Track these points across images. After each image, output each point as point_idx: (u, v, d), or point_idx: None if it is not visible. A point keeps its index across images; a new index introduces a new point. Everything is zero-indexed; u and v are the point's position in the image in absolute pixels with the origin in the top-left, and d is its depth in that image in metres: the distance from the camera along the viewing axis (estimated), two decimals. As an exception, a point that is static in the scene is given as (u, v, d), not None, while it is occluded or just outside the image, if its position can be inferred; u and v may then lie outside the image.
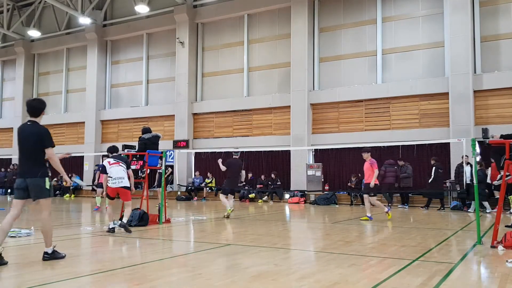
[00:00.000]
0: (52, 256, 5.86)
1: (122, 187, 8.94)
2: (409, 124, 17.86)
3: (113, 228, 8.80)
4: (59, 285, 4.62)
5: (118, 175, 8.97)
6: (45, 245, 5.87)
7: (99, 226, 10.21)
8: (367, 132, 18.53)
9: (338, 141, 18.53)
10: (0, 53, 30.06)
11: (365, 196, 11.69)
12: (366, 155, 11.55)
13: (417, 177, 17.18)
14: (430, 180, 15.58)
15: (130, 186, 9.10)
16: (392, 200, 16.81)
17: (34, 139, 5.70)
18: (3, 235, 5.61)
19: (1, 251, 5.48)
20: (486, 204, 13.96)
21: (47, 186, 5.76)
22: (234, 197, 12.76)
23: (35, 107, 5.83)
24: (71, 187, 24.15)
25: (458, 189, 14.48)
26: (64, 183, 6.52)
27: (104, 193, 9.65)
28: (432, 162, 15.64)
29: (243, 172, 12.80)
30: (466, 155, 13.82)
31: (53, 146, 5.80)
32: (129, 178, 9.09)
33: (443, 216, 13.08)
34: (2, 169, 26.09)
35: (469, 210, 14.25)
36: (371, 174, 11.38)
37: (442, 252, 6.65)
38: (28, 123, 5.82)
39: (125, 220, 8.93)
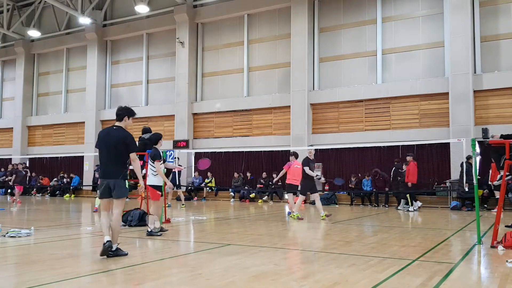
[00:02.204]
0: (115, 253, 6.07)
1: (149, 185, 8.64)
2: (409, 124, 17.86)
3: (160, 232, 8.40)
4: (59, 285, 4.62)
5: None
6: (111, 241, 6.11)
7: (99, 226, 10.21)
8: (367, 132, 18.53)
9: (338, 141, 18.54)
10: (0, 53, 30.06)
11: (290, 195, 12.65)
12: (292, 158, 12.52)
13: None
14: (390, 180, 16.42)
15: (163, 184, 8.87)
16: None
17: (120, 143, 6.19)
18: (109, 230, 6.11)
19: (119, 244, 6.20)
20: (403, 201, 15.34)
21: (127, 186, 6.27)
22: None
23: (118, 112, 6.46)
24: (70, 187, 24.18)
25: (467, 189, 14.48)
26: (138, 186, 6.81)
27: None
28: (395, 163, 16.20)
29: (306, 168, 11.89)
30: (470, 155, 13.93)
31: (136, 150, 6.37)
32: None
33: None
34: (2, 169, 26.06)
35: (414, 209, 14.71)
36: (299, 175, 12.22)
37: (442, 252, 6.65)
38: (114, 127, 6.37)
39: (153, 226, 8.42)
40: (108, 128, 6.39)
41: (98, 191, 6.38)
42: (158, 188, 8.67)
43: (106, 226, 6.14)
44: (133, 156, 6.24)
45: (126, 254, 6.16)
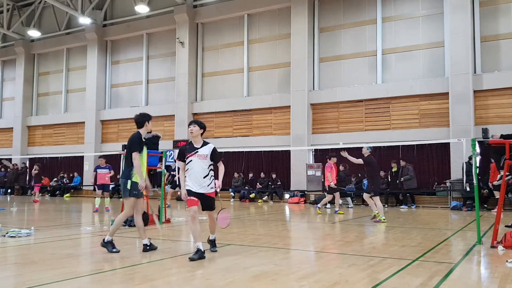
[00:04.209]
0: (104, 244, 6.45)
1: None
2: (409, 124, 17.86)
3: (201, 251, 6.05)
4: (59, 285, 4.62)
5: None
6: (141, 237, 6.62)
7: (99, 226, 10.22)
8: (367, 132, 18.53)
9: (338, 141, 18.51)
10: (0, 53, 30.05)
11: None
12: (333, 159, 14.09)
13: (417, 178, 17.22)
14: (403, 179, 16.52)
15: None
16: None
17: (127, 145, 6.53)
18: (142, 230, 6.62)
19: (150, 241, 6.63)
20: (348, 199, 16.83)
21: (128, 187, 6.40)
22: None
23: (136, 120, 6.68)
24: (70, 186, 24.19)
25: (468, 189, 14.52)
26: (140, 187, 6.94)
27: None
28: (403, 163, 16.58)
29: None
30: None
31: (137, 151, 6.40)
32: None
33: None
34: (2, 169, 26.09)
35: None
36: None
37: (442, 252, 6.65)
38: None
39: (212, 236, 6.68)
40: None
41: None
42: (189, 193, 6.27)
43: (141, 228, 6.61)
44: (134, 155, 6.39)
45: (116, 251, 6.42)
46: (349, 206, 16.55)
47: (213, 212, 6.40)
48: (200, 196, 6.14)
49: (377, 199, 11.19)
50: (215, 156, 6.20)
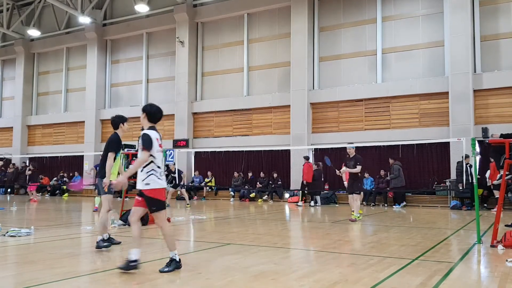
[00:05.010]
0: (97, 245, 6.68)
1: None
2: (409, 123, 17.85)
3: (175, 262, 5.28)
4: (59, 285, 4.62)
5: None
6: (99, 234, 6.84)
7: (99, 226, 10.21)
8: (367, 131, 18.53)
9: (338, 141, 18.51)
10: (0, 52, 30.04)
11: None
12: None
13: (417, 177, 17.26)
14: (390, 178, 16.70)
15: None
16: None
17: (106, 144, 6.93)
18: (102, 226, 6.93)
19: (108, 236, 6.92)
20: (317, 198, 16.89)
21: (103, 185, 6.78)
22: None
23: (112, 122, 6.99)
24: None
25: (460, 188, 14.57)
26: (103, 184, 6.84)
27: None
28: (391, 162, 16.61)
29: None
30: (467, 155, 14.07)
31: (112, 151, 6.77)
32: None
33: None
34: (2, 169, 26.06)
35: (311, 204, 15.62)
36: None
37: (441, 252, 6.65)
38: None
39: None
40: None
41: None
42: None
43: (102, 225, 6.92)
44: (109, 154, 6.77)
45: (106, 247, 6.65)
46: (318, 205, 16.71)
47: (158, 217, 5.32)
48: (141, 193, 5.22)
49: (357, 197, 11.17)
50: (141, 143, 5.22)
